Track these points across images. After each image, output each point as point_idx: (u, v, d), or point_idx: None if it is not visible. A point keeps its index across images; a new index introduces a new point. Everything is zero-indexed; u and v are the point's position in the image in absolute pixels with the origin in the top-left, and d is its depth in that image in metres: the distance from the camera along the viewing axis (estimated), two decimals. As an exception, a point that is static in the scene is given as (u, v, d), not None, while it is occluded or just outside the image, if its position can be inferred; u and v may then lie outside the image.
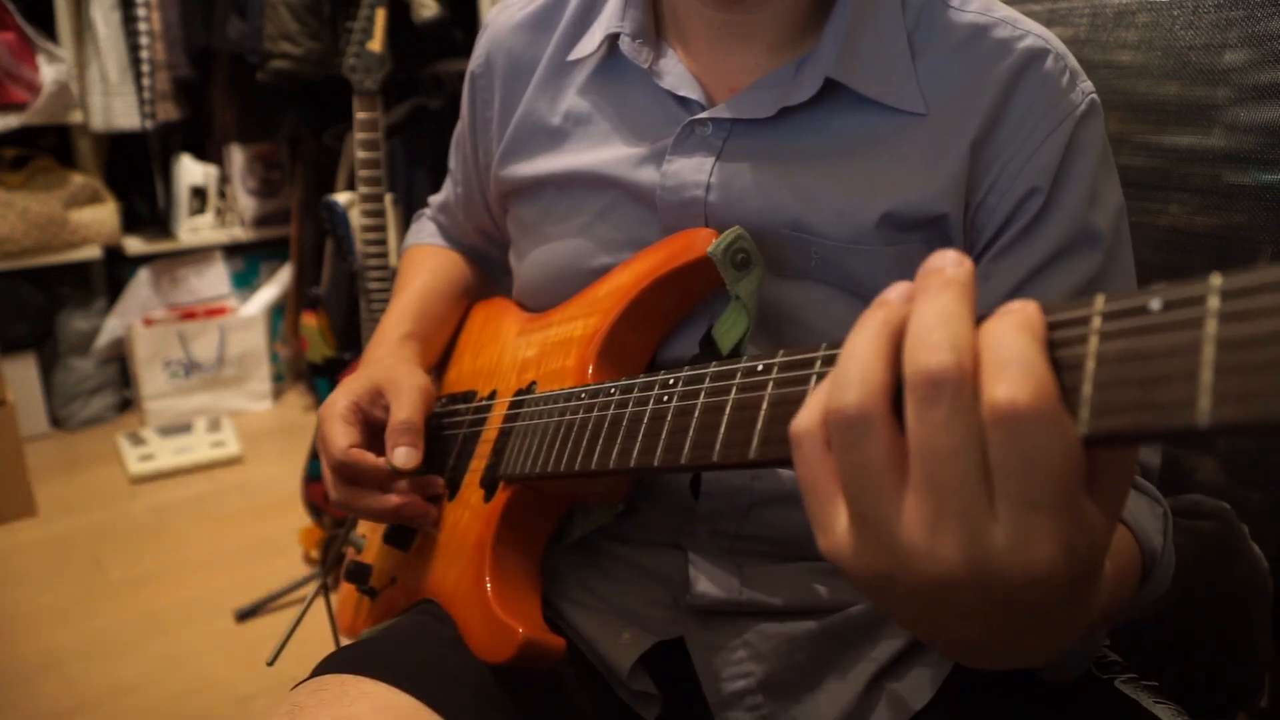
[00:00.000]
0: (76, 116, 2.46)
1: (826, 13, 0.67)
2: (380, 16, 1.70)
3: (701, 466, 0.48)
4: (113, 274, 2.69)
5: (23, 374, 2.49)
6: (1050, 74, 0.64)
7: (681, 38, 0.72)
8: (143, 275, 2.66)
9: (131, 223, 2.71)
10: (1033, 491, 0.32)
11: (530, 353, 0.76)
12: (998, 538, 0.32)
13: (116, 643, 1.77)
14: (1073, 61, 0.66)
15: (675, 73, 0.70)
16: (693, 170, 0.67)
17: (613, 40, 0.72)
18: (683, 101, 0.70)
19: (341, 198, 1.85)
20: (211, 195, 2.70)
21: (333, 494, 0.74)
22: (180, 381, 2.67)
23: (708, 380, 0.49)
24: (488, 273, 0.96)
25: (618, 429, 0.56)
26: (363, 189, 1.73)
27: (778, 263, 0.66)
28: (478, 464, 0.73)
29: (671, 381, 0.52)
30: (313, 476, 1.88)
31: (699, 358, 0.67)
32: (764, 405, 0.43)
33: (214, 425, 2.60)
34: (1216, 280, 0.28)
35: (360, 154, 1.71)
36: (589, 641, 0.70)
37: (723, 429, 0.46)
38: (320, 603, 0.85)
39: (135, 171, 2.72)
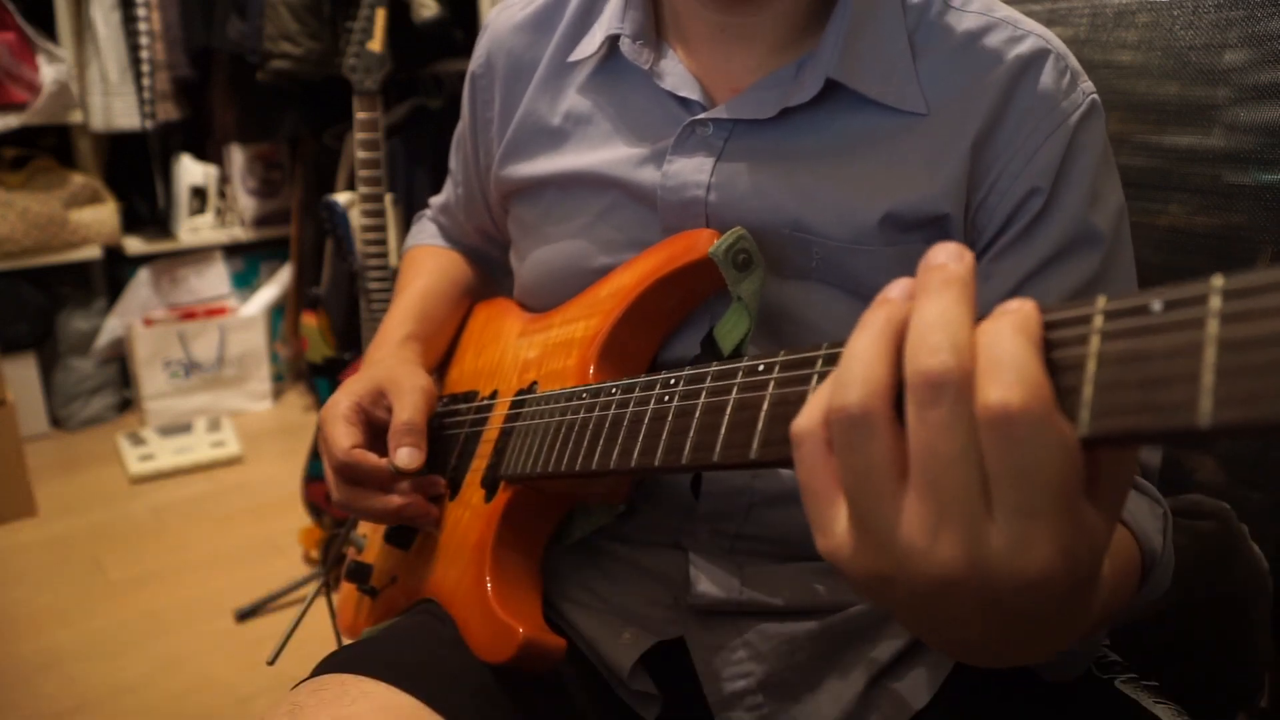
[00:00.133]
0: (76, 116, 2.46)
1: (827, 13, 0.67)
2: (380, 16, 1.70)
3: (702, 467, 0.47)
4: (113, 274, 2.69)
5: (23, 374, 2.49)
6: (1051, 74, 0.64)
7: (682, 38, 0.72)
8: (143, 275, 2.66)
9: (131, 223, 2.71)
10: (1029, 495, 0.31)
11: (531, 353, 0.76)
12: (996, 541, 0.32)
13: (116, 643, 1.77)
14: (1073, 62, 0.66)
15: (676, 73, 0.70)
16: (693, 171, 0.68)
17: (613, 41, 0.72)
18: (683, 102, 0.70)
19: (341, 198, 1.85)
20: (211, 195, 2.70)
21: (335, 494, 0.74)
22: (180, 381, 2.67)
23: (709, 380, 0.49)
24: (489, 273, 0.96)
25: (618, 429, 0.56)
26: (363, 189, 1.73)
27: (779, 263, 0.66)
28: (479, 464, 0.73)
29: (672, 381, 0.52)
30: (313, 476, 1.88)
31: (700, 358, 0.67)
32: (765, 405, 0.43)
33: (214, 425, 2.60)
34: (1218, 281, 0.28)
35: (360, 154, 1.71)
36: (589, 641, 0.70)
37: (723, 429, 0.46)
38: (321, 602, 0.85)
39: (135, 171, 2.71)
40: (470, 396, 0.80)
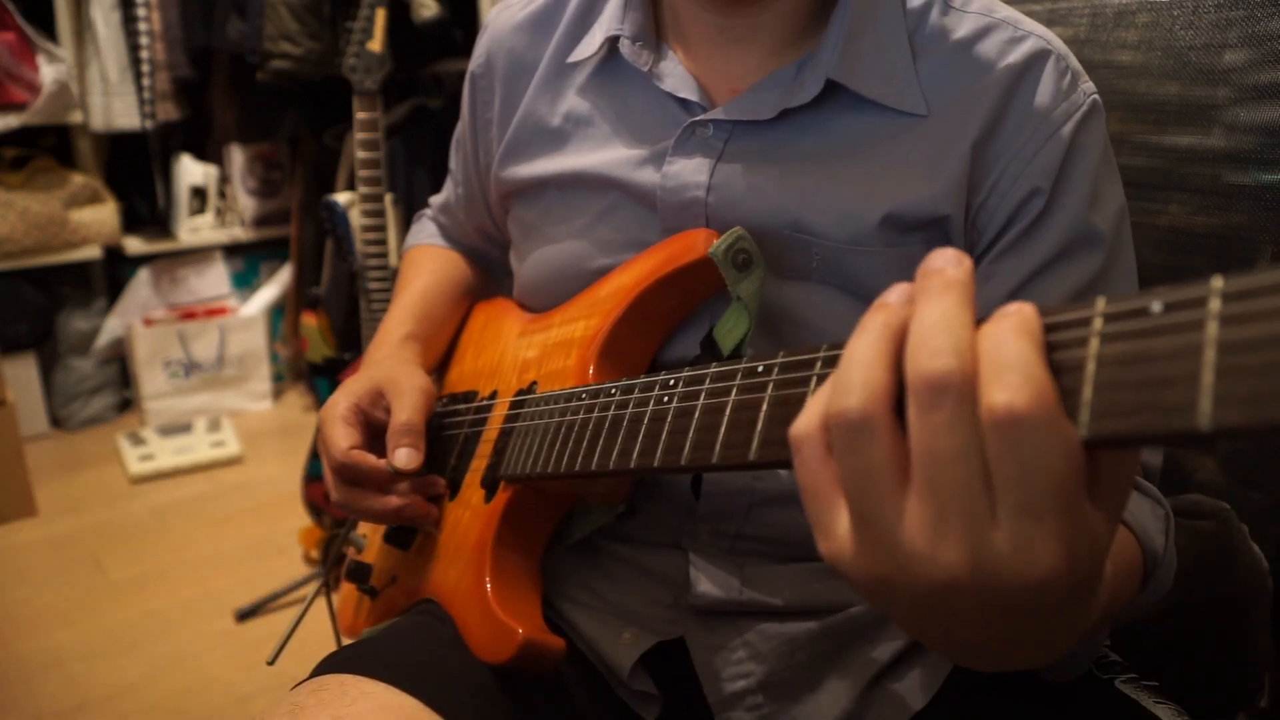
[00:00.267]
0: (76, 116, 2.46)
1: (827, 14, 0.67)
2: (380, 16, 1.70)
3: (701, 467, 0.47)
4: (113, 274, 2.69)
5: (23, 374, 2.49)
6: (1052, 75, 0.64)
7: (682, 39, 0.72)
8: (143, 275, 2.66)
9: (131, 223, 2.71)
10: (1033, 496, 0.32)
11: (531, 353, 0.76)
12: (999, 543, 0.32)
13: (116, 643, 1.77)
14: (1074, 62, 0.66)
15: (675, 75, 0.70)
16: (693, 171, 0.67)
17: (612, 43, 0.72)
18: (683, 103, 0.70)
19: (341, 198, 1.85)
20: (211, 195, 2.70)
21: (334, 495, 0.74)
22: (180, 381, 2.67)
23: (708, 381, 0.49)
24: (489, 273, 0.96)
25: (618, 429, 0.56)
26: (363, 189, 1.73)
27: (779, 264, 0.66)
28: (478, 464, 0.73)
29: (672, 382, 0.52)
30: (313, 476, 1.88)
31: (700, 358, 0.67)
32: (764, 406, 0.43)
33: (214, 425, 2.60)
34: (1218, 283, 0.28)
35: (360, 154, 1.71)
36: (589, 641, 0.70)
37: (723, 430, 0.46)
38: (320, 602, 0.85)
39: (135, 171, 2.71)
40: (470, 396, 0.80)
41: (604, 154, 0.72)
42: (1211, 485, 0.86)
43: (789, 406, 0.42)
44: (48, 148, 2.53)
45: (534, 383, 0.73)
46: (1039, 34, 0.66)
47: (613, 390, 0.58)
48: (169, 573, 2.00)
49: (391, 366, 0.78)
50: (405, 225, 1.79)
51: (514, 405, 0.72)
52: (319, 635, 0.86)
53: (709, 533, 0.70)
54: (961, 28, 0.66)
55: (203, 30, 2.45)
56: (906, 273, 0.36)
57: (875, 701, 0.66)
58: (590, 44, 0.74)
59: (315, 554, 2.00)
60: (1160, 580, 0.60)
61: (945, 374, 0.32)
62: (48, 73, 2.33)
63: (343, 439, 0.72)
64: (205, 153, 2.73)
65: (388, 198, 1.80)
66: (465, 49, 2.03)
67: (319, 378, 2.05)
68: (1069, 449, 0.31)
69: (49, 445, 2.54)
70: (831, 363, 0.41)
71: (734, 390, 0.46)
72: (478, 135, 0.84)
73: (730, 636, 0.69)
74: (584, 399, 0.61)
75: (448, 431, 0.79)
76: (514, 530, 0.68)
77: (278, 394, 2.86)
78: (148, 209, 2.76)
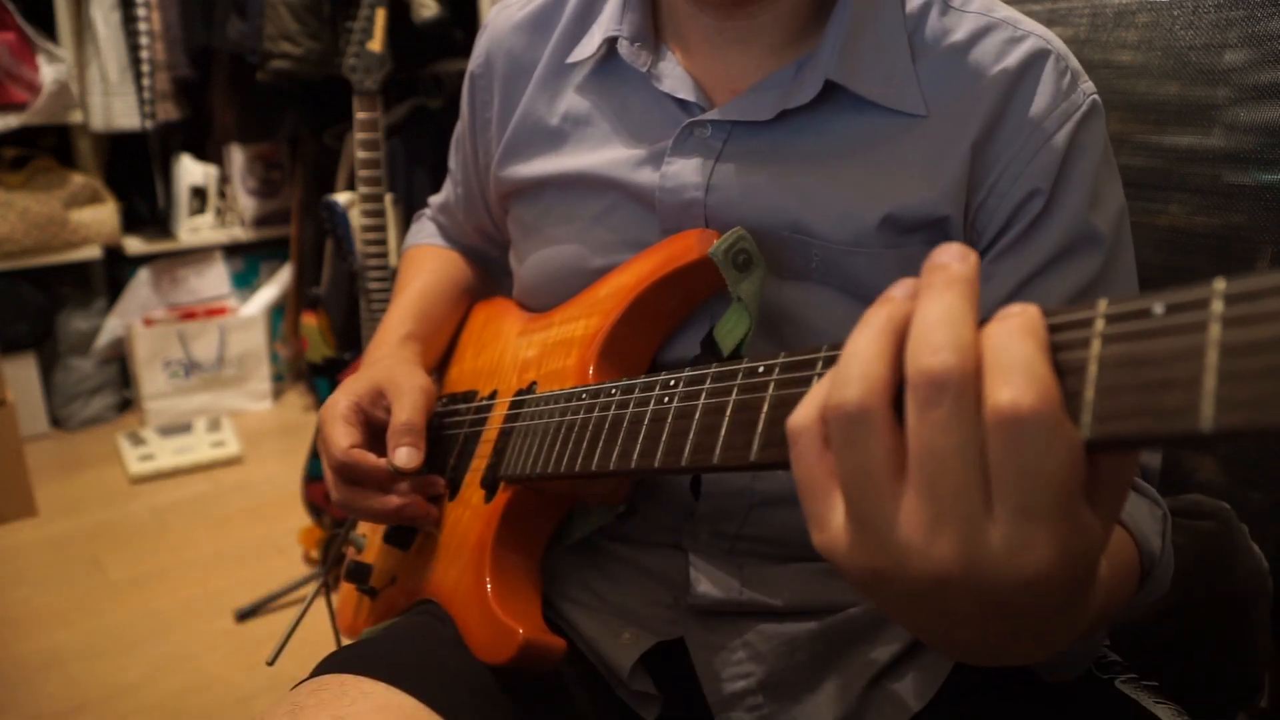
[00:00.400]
0: (76, 116, 2.46)
1: (826, 14, 0.67)
2: (380, 16, 1.70)
3: (702, 468, 0.47)
4: (113, 274, 2.69)
5: (23, 374, 2.48)
6: (1051, 75, 0.64)
7: (680, 40, 0.72)
8: (143, 275, 2.66)
9: (131, 223, 2.70)
10: (1032, 497, 0.32)
11: (531, 353, 0.76)
12: (994, 541, 0.32)
13: (116, 643, 1.77)
14: (1074, 62, 0.66)
15: (674, 75, 0.70)
16: (692, 172, 0.67)
17: (611, 43, 0.72)
18: (682, 104, 0.70)
19: (341, 198, 1.85)
20: (211, 195, 2.70)
21: (334, 495, 0.74)
22: (180, 381, 2.67)
23: (708, 382, 0.49)
24: (488, 273, 0.96)
25: (618, 430, 0.55)
26: (363, 189, 1.73)
27: (778, 264, 0.66)
28: (478, 464, 0.73)
29: (672, 383, 0.52)
30: (313, 476, 1.88)
31: (700, 359, 0.67)
32: (764, 407, 0.43)
33: (214, 425, 2.60)
34: (1220, 284, 0.28)
35: (360, 154, 1.71)
36: (589, 641, 0.70)
37: (723, 431, 0.46)
38: (320, 603, 0.85)
39: (135, 171, 2.71)
40: (470, 396, 0.80)
41: (603, 154, 0.72)
42: (1211, 485, 0.86)
43: (790, 407, 0.42)
44: (48, 148, 2.53)
45: (534, 382, 0.73)
46: (1039, 34, 0.65)
47: (613, 390, 0.58)
48: (169, 573, 1.99)
49: (391, 366, 0.78)
50: (405, 225, 1.79)
51: (514, 405, 0.72)
52: (319, 635, 0.86)
53: (709, 533, 0.70)
54: (961, 28, 0.66)
55: (203, 30, 2.45)
56: (906, 273, 0.36)
57: (875, 702, 0.66)
58: (589, 44, 0.74)
59: (315, 554, 2.00)
60: (1157, 580, 0.60)
61: (945, 370, 0.32)
62: (48, 73, 2.33)
63: (343, 438, 0.72)
64: (205, 153, 2.73)
65: (388, 198, 1.80)
66: (465, 49, 2.03)
67: (319, 378, 2.05)
68: (1070, 451, 0.31)
69: (49, 445, 2.54)
70: (832, 363, 0.41)
71: (734, 391, 0.46)
72: (477, 135, 0.84)
73: (730, 637, 0.69)
74: (584, 399, 0.61)
75: (448, 431, 0.79)
76: (514, 530, 0.68)
77: (278, 394, 2.86)
78: (148, 209, 2.76)
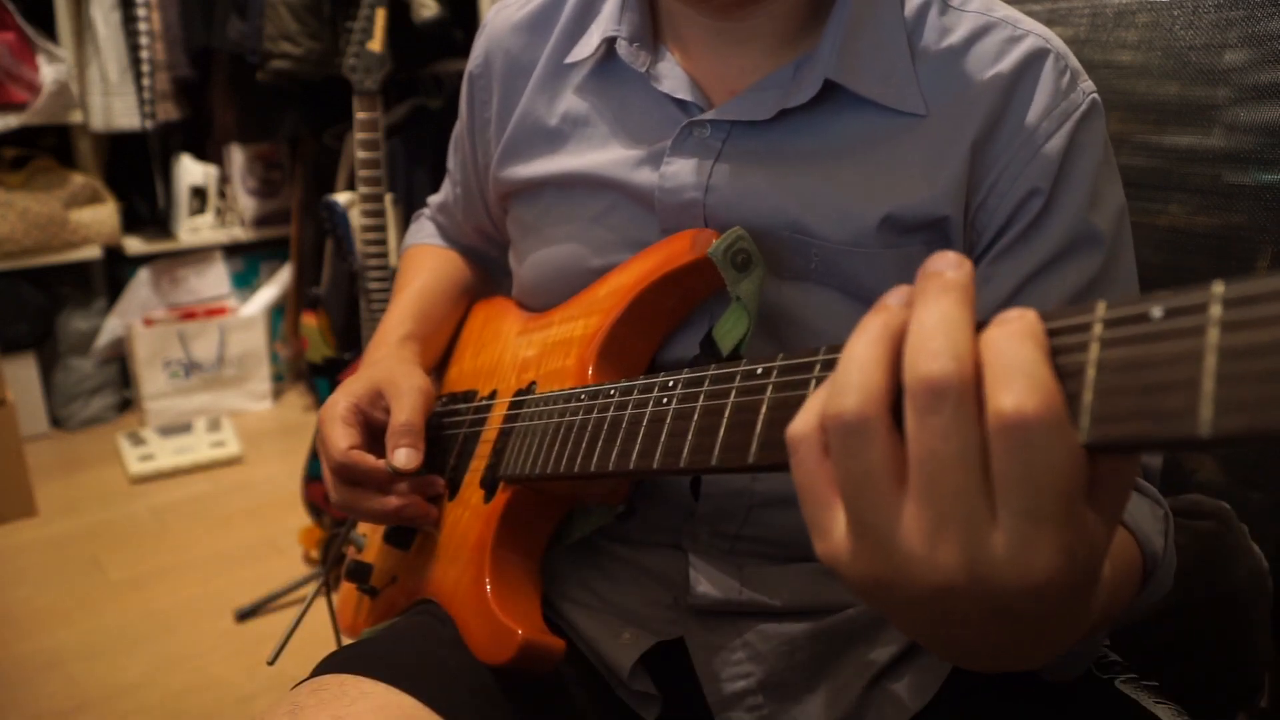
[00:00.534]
0: (76, 116, 2.46)
1: (825, 14, 0.67)
2: (380, 16, 1.70)
3: (700, 469, 0.47)
4: (113, 274, 2.69)
5: (23, 374, 2.49)
6: (1051, 74, 0.64)
7: (679, 40, 0.72)
8: (143, 275, 2.66)
9: (131, 223, 2.70)
10: (1035, 501, 0.31)
11: (530, 352, 0.76)
12: (998, 546, 0.32)
13: (117, 643, 1.77)
14: (1074, 61, 0.66)
15: (673, 76, 0.70)
16: (691, 172, 0.67)
17: (610, 43, 0.72)
18: (681, 104, 0.70)
19: (341, 198, 1.85)
20: (211, 195, 2.70)
21: (333, 495, 0.74)
22: (180, 381, 2.67)
23: (707, 383, 0.49)
24: (487, 273, 0.96)
25: (617, 431, 0.55)
26: (363, 189, 1.73)
27: (778, 264, 0.66)
28: (478, 464, 0.73)
29: (671, 384, 0.52)
30: (313, 476, 1.88)
31: (699, 359, 0.67)
32: (763, 409, 0.43)
33: (214, 425, 2.60)
34: (1219, 288, 0.28)
35: (360, 154, 1.71)
36: (589, 641, 0.70)
37: (721, 432, 0.46)
38: (321, 602, 0.85)
39: (135, 171, 2.71)
40: (469, 396, 0.80)
41: (602, 154, 0.72)
42: (1211, 485, 0.86)
43: (788, 409, 0.42)
44: (48, 148, 2.53)
45: (533, 382, 0.73)
46: (1038, 33, 0.65)
47: (612, 391, 0.58)
48: (169, 573, 2.00)
49: (390, 366, 0.78)
50: (405, 225, 1.79)
51: (513, 405, 0.72)
52: (319, 635, 0.86)
53: (708, 533, 0.70)
54: (960, 27, 0.66)
55: (203, 30, 2.45)
56: (905, 273, 0.36)
57: (875, 702, 0.66)
58: (587, 45, 0.74)
59: (315, 554, 2.00)
60: (1160, 581, 0.60)
61: (943, 377, 0.32)
62: (48, 73, 2.33)
63: (342, 439, 0.72)
64: (205, 153, 2.73)
65: (388, 198, 1.80)
66: (465, 49, 2.02)
67: (319, 378, 2.05)
68: (1073, 454, 0.31)
69: (49, 445, 2.54)
70: (830, 365, 0.41)
71: (733, 392, 0.46)
72: (476, 135, 0.84)
73: (730, 637, 0.69)
74: (583, 400, 0.61)
75: (447, 431, 0.79)
76: (513, 531, 0.68)
77: (278, 394, 2.86)
78: (148, 209, 2.76)
